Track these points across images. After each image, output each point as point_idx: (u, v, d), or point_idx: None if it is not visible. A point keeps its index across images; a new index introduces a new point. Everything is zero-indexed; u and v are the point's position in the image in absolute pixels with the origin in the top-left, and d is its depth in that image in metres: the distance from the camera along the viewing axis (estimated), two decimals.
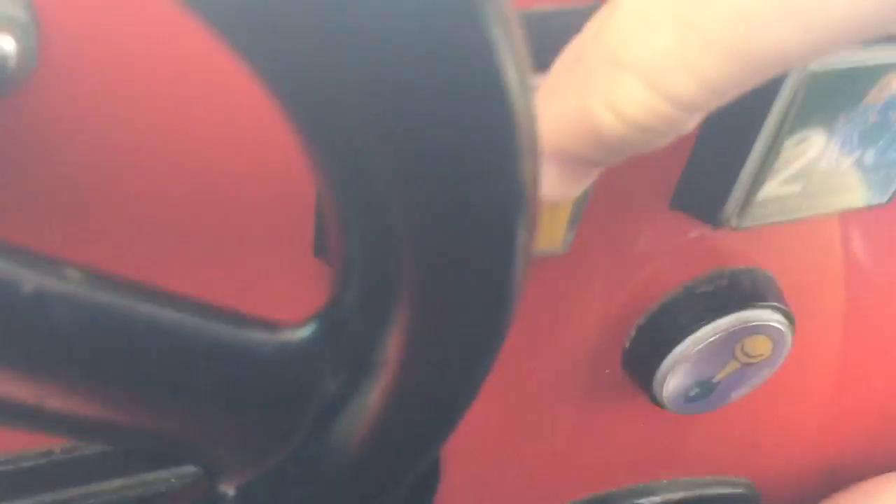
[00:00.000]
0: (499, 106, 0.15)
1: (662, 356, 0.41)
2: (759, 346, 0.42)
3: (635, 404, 0.45)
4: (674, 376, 0.41)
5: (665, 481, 0.52)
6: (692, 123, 0.21)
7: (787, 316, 0.42)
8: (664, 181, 0.35)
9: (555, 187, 0.23)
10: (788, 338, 0.42)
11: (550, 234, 0.32)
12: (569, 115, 0.21)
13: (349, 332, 0.19)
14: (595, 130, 0.20)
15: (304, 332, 0.19)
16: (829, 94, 0.31)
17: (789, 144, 0.32)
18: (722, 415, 0.46)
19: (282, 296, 0.32)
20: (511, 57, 0.15)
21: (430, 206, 0.16)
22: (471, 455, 0.44)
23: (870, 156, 0.34)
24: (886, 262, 0.45)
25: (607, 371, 0.43)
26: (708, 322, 0.40)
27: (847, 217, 0.42)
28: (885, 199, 0.37)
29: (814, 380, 0.50)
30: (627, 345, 0.42)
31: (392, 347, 0.19)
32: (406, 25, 0.13)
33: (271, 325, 0.19)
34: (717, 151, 0.34)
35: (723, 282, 0.41)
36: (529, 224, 0.18)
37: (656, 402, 0.43)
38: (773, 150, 0.32)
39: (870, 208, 0.37)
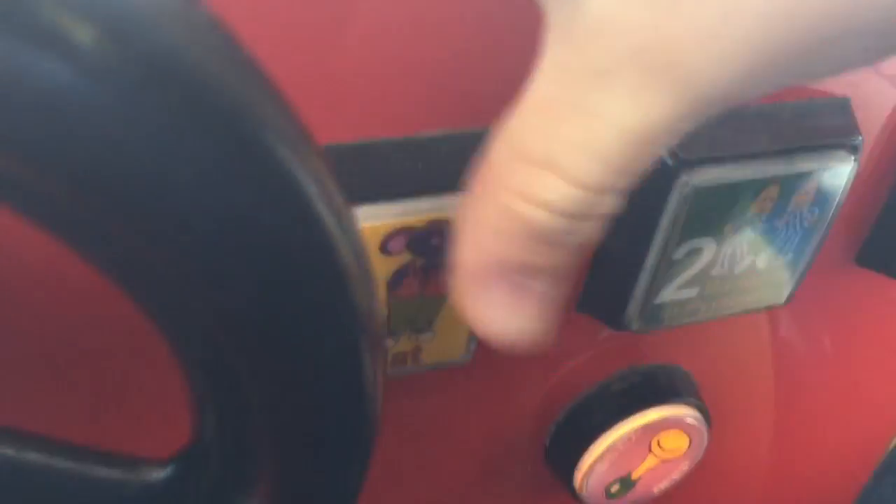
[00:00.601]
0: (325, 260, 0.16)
1: (580, 454, 0.42)
2: (675, 441, 0.43)
3: (561, 501, 0.45)
4: (592, 473, 0.42)
5: None
6: (611, 205, 0.21)
7: (702, 411, 0.43)
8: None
9: (525, 317, 0.22)
10: (704, 432, 0.43)
11: (452, 346, 0.33)
12: (499, 225, 0.21)
13: (211, 470, 0.19)
14: (529, 228, 0.20)
15: (166, 473, 0.20)
16: (714, 208, 0.33)
17: (680, 253, 0.34)
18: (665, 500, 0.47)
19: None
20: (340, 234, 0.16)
21: (273, 356, 0.17)
22: None
23: (762, 260, 0.36)
24: (810, 355, 0.46)
25: (530, 468, 0.44)
26: (622, 419, 0.41)
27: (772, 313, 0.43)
28: (782, 300, 0.38)
29: (742, 471, 0.51)
30: (547, 442, 0.43)
31: (255, 482, 0.20)
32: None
33: (134, 464, 0.20)
34: (615, 259, 0.35)
35: (636, 379, 0.42)
36: (374, 352, 0.18)
37: (578, 499, 0.43)
38: (664, 259, 0.33)
39: (769, 309, 0.38)
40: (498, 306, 0.22)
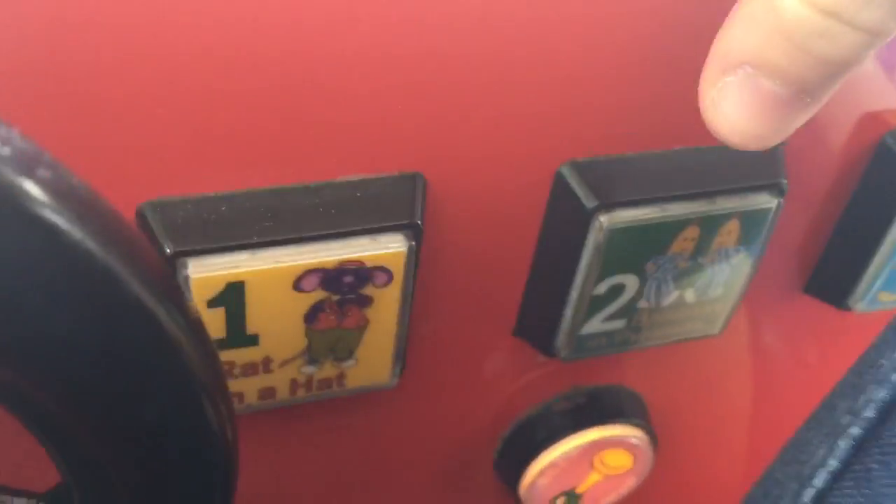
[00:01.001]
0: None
1: (524, 468, 0.43)
2: (619, 459, 0.44)
3: None
4: (536, 487, 0.43)
5: None
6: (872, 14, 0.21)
7: (646, 430, 0.44)
8: (507, 310, 0.38)
9: (749, 118, 0.24)
10: (648, 451, 0.44)
11: (376, 372, 0.34)
12: (756, 13, 0.22)
13: None
14: (778, 19, 0.22)
15: None
16: (631, 248, 0.34)
17: (602, 288, 0.35)
18: None
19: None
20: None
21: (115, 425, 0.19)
22: None
23: (690, 294, 0.37)
24: (758, 378, 0.47)
25: (481, 478, 0.46)
26: (563, 437, 0.42)
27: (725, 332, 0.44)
28: (716, 330, 0.39)
29: (692, 488, 0.52)
30: (495, 456, 0.45)
31: None
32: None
33: (15, 497, 0.22)
34: (543, 291, 0.36)
35: (581, 399, 0.43)
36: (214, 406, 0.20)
37: None
38: (584, 294, 0.35)
39: (704, 339, 0.39)
40: (729, 96, 0.24)
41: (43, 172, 0.15)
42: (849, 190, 0.38)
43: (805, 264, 0.42)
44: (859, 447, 0.27)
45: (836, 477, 0.27)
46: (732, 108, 0.24)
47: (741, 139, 0.25)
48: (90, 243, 0.16)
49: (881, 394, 0.27)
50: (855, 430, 0.27)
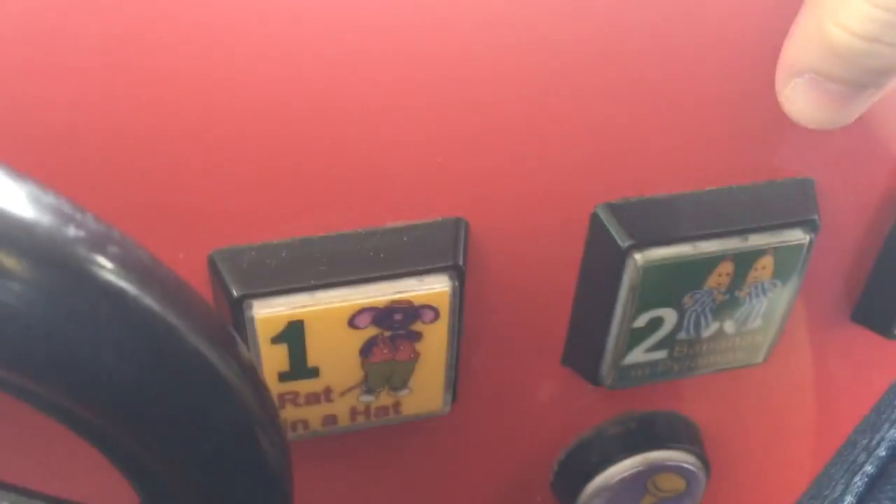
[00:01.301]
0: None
1: (579, 491, 0.45)
2: (671, 483, 0.45)
3: None
4: None
5: None
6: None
7: (698, 455, 0.45)
8: (554, 341, 0.40)
9: (818, 109, 0.29)
10: (700, 475, 0.45)
11: (429, 400, 0.37)
12: (810, 34, 0.28)
13: None
14: (828, 44, 0.27)
15: None
16: (667, 283, 0.35)
17: (641, 321, 0.37)
18: None
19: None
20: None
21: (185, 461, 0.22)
22: None
23: (730, 326, 0.38)
24: (807, 405, 0.47)
25: (539, 500, 0.48)
26: (616, 462, 0.44)
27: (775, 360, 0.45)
28: (759, 360, 0.40)
29: (766, 497, 0.53)
30: (552, 478, 0.47)
31: None
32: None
33: None
34: (587, 323, 0.38)
35: (632, 424, 0.45)
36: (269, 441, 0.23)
37: None
38: (624, 327, 0.36)
39: (749, 367, 0.41)
40: (800, 94, 0.29)
41: (112, 248, 0.18)
42: (888, 221, 0.39)
43: (851, 294, 0.42)
44: (872, 484, 0.28)
45: None
46: (803, 103, 0.30)
47: (815, 125, 0.30)
48: (153, 304, 0.19)
49: (894, 433, 0.28)
50: (869, 468, 0.28)
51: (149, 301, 0.19)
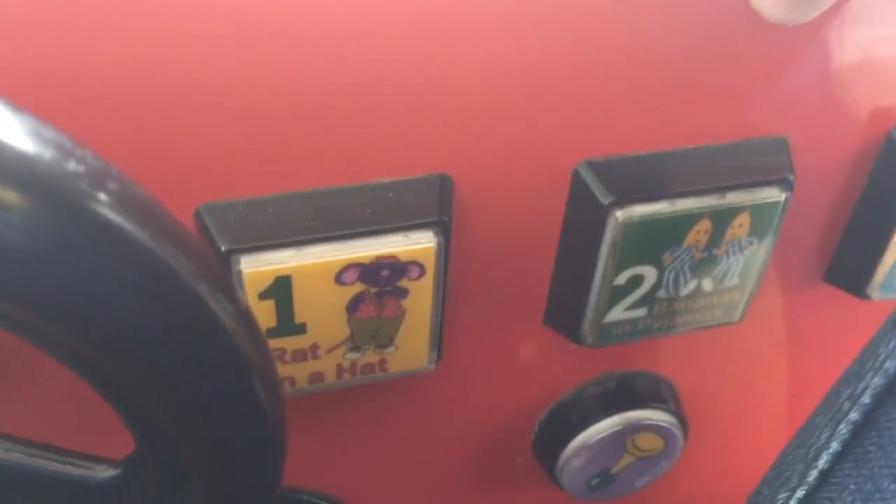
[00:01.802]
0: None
1: (559, 450, 0.46)
2: (650, 442, 0.46)
3: (550, 490, 0.49)
4: (570, 468, 0.46)
5: None
6: None
7: (675, 414, 0.46)
8: (536, 300, 0.41)
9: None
10: (678, 434, 0.46)
11: (414, 357, 0.38)
12: None
13: (150, 475, 0.25)
14: None
15: (118, 472, 0.25)
16: (647, 240, 0.36)
17: (622, 279, 0.37)
18: (652, 491, 0.51)
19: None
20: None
21: (184, 402, 0.23)
22: None
23: (708, 283, 0.39)
24: (781, 365, 0.48)
25: (520, 460, 0.48)
26: (595, 421, 0.45)
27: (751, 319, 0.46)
28: (736, 318, 0.41)
29: (724, 470, 0.54)
30: (533, 437, 0.47)
31: (187, 486, 0.25)
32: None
33: (90, 462, 0.25)
34: (567, 281, 0.39)
35: (611, 384, 0.46)
36: (266, 389, 0.24)
37: (562, 490, 0.48)
38: (605, 284, 0.37)
39: (725, 326, 0.42)
40: None
41: (112, 185, 0.18)
42: (860, 181, 0.40)
43: (824, 254, 0.43)
44: (858, 431, 0.29)
45: (838, 458, 0.29)
46: None
47: (779, 18, 0.31)
48: (152, 244, 0.19)
49: (878, 381, 0.29)
50: (854, 416, 0.29)
51: (149, 239, 0.19)
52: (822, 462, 0.29)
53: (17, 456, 0.24)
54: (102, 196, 0.18)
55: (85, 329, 0.19)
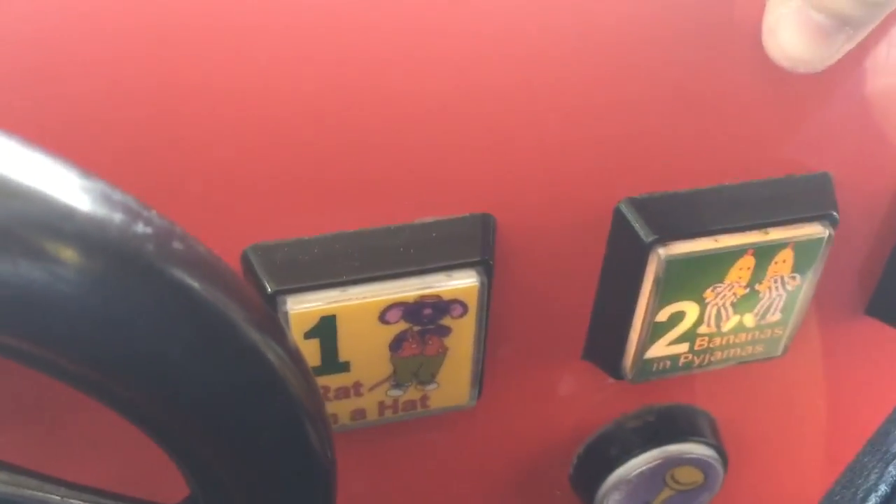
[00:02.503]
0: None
1: (598, 484, 0.46)
2: (689, 475, 0.46)
3: None
4: (609, 502, 0.46)
5: None
6: None
7: (714, 447, 0.46)
8: (575, 336, 0.41)
9: (800, 42, 0.30)
10: (718, 467, 0.46)
11: (456, 394, 0.38)
12: None
13: None
14: None
15: None
16: (689, 277, 0.36)
17: (663, 315, 0.37)
18: None
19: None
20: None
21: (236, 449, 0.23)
22: None
23: (749, 319, 0.39)
24: (823, 398, 0.48)
25: (558, 493, 0.48)
26: (635, 455, 0.45)
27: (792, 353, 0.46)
28: (778, 353, 0.41)
29: (784, 489, 0.53)
30: (572, 471, 0.47)
31: None
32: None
33: None
34: (608, 317, 0.39)
35: (650, 418, 0.45)
36: (317, 434, 0.24)
37: None
38: (646, 320, 0.37)
39: (769, 360, 0.41)
40: (784, 25, 0.30)
41: (177, 245, 0.19)
42: None
43: (866, 288, 0.43)
44: None
45: (887, 500, 0.29)
46: (786, 35, 0.30)
47: (791, 63, 0.31)
48: (215, 301, 0.19)
49: None
50: None
51: (212, 296, 0.19)
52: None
53: (74, 502, 0.25)
54: (168, 256, 0.19)
55: (149, 387, 0.20)
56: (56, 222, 0.17)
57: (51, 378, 0.20)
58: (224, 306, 0.19)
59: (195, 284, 0.19)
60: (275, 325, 0.22)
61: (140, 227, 0.18)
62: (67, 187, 0.17)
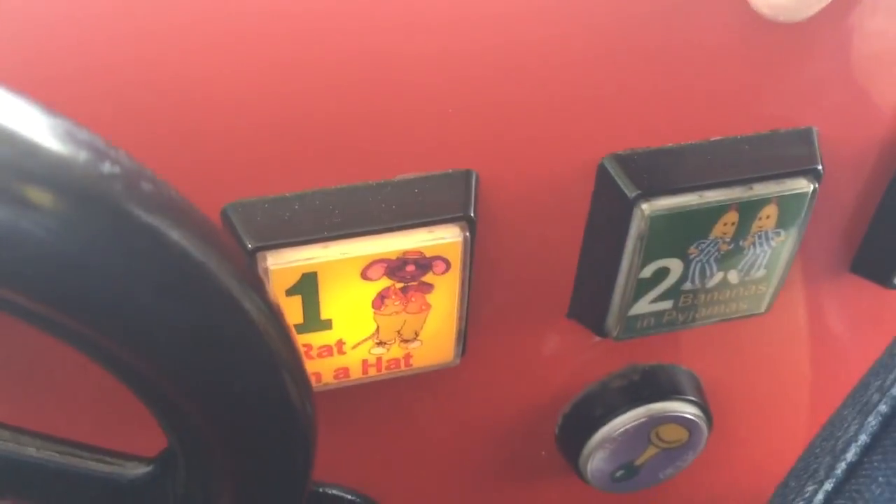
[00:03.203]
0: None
1: (583, 443, 0.46)
2: (674, 434, 0.46)
3: (574, 483, 0.49)
4: (594, 460, 0.46)
5: None
6: None
7: (699, 405, 0.46)
8: (560, 294, 0.41)
9: None
10: (703, 426, 0.46)
11: (440, 352, 0.38)
12: None
13: (182, 471, 0.25)
14: None
15: (149, 469, 0.26)
16: (673, 233, 0.36)
17: (647, 272, 0.37)
18: (676, 483, 0.51)
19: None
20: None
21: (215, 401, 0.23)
22: None
23: (734, 275, 0.39)
24: (807, 356, 0.48)
25: (543, 453, 0.48)
26: (620, 413, 0.45)
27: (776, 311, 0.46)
28: (762, 310, 0.41)
29: (749, 462, 0.54)
30: (557, 430, 0.47)
31: (218, 484, 0.25)
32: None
33: (122, 460, 0.26)
34: (592, 274, 0.39)
35: (635, 377, 0.45)
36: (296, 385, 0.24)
37: (586, 482, 0.47)
38: (630, 277, 0.37)
39: (752, 317, 0.41)
40: None
41: (146, 186, 0.19)
42: (887, 171, 0.40)
43: (850, 244, 0.43)
44: (887, 423, 0.29)
45: (866, 451, 0.29)
46: None
47: (772, 11, 0.30)
48: (187, 244, 0.19)
49: None
50: (883, 407, 0.29)
51: (183, 239, 0.19)
52: (851, 454, 0.29)
53: (50, 454, 0.24)
54: (137, 196, 0.18)
55: (119, 330, 0.19)
56: (18, 160, 0.16)
57: (21, 324, 0.20)
58: (196, 250, 0.19)
59: (165, 226, 0.18)
60: (250, 272, 0.22)
61: (107, 167, 0.18)
62: (30, 125, 0.17)
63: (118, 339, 0.20)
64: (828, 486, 0.29)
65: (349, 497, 0.43)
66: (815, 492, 0.29)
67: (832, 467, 0.30)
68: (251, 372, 0.23)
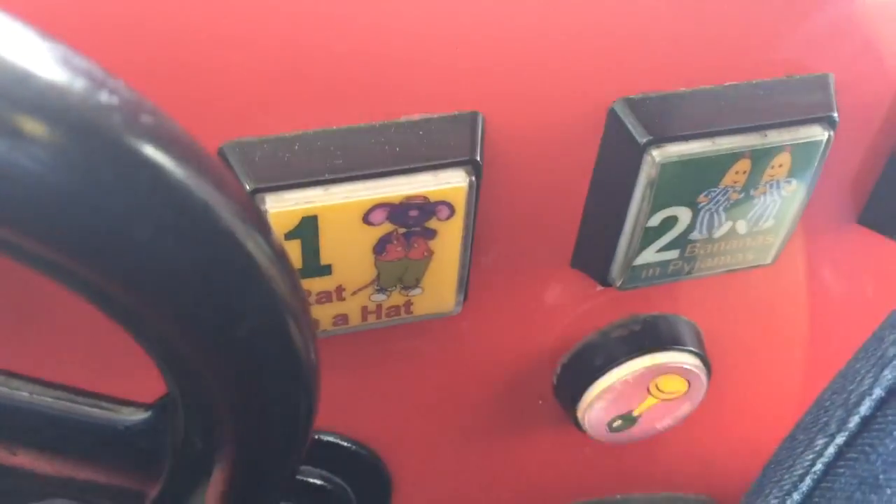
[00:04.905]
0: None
1: (581, 393, 0.45)
2: (673, 384, 0.46)
3: (571, 432, 0.49)
4: (592, 410, 0.45)
5: (619, 496, 0.57)
6: None
7: (699, 356, 0.45)
8: (564, 242, 0.40)
9: None
10: (702, 377, 0.46)
11: (441, 300, 0.37)
12: None
13: (181, 418, 0.25)
14: None
15: (146, 416, 0.25)
16: (684, 181, 0.35)
17: (655, 220, 0.36)
18: (674, 435, 0.50)
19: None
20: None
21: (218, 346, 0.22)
22: (423, 480, 0.49)
23: (742, 226, 0.38)
24: (811, 309, 0.48)
25: (541, 402, 0.48)
26: (619, 363, 0.44)
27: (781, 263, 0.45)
28: (768, 260, 0.40)
29: (747, 414, 0.53)
30: (554, 381, 0.47)
31: (216, 431, 0.25)
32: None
33: (118, 406, 0.25)
34: (599, 223, 0.38)
35: (636, 327, 0.45)
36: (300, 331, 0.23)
37: (584, 432, 0.47)
38: (638, 226, 0.36)
39: (754, 268, 0.41)
40: None
41: (147, 118, 0.17)
42: None
43: (859, 196, 0.42)
44: None
45: (881, 405, 0.28)
46: None
47: None
48: (189, 180, 0.18)
49: None
50: None
51: (185, 175, 0.18)
52: (864, 408, 0.29)
53: (44, 399, 0.24)
54: (136, 128, 0.17)
55: (117, 268, 0.18)
56: (9, 87, 0.15)
57: (14, 265, 0.18)
58: (198, 186, 0.18)
59: (166, 160, 0.17)
60: (254, 211, 0.21)
61: (105, 96, 0.16)
62: (22, 49, 0.16)
63: (115, 279, 0.18)
64: (839, 439, 0.29)
65: (346, 444, 0.42)
66: (827, 445, 0.29)
67: (844, 421, 0.29)
68: (255, 316, 0.22)
